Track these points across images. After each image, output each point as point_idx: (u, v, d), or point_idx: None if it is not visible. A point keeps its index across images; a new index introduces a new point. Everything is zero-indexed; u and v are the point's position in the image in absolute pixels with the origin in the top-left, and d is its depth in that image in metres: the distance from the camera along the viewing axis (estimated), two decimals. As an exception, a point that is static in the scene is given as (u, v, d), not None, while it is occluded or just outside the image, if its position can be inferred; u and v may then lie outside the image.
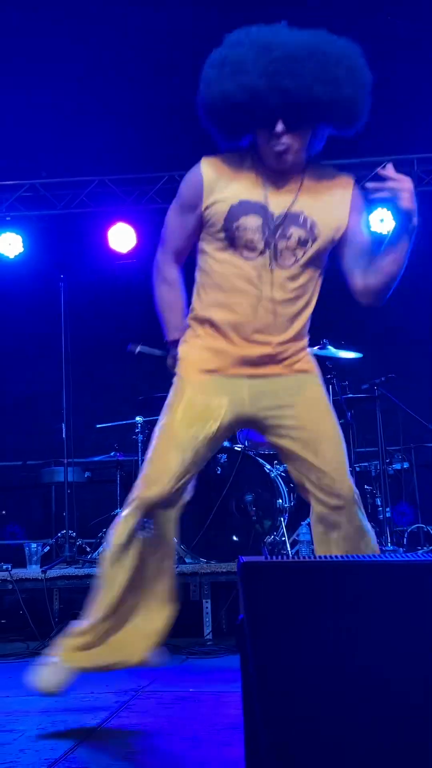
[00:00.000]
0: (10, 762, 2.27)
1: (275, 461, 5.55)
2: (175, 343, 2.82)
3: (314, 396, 2.76)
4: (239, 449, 5.30)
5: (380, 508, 5.67)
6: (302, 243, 2.64)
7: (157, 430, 2.74)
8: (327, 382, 5.55)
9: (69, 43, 6.16)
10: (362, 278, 2.69)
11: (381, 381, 5.77)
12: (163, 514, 2.68)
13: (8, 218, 7.45)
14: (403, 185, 2.50)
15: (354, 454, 5.64)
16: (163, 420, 2.74)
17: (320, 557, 1.95)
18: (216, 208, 2.64)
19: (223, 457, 5.24)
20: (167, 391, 6.23)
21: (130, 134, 6.85)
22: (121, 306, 7.31)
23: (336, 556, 1.77)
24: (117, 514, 5.76)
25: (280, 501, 5.13)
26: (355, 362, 5.83)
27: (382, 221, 7.13)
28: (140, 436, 5.83)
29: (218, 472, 5.21)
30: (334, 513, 2.65)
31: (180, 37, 5.94)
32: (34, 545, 5.28)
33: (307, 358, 2.79)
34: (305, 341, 2.80)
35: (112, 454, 6.24)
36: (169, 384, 6.12)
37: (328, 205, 2.68)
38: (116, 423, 6.22)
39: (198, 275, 2.78)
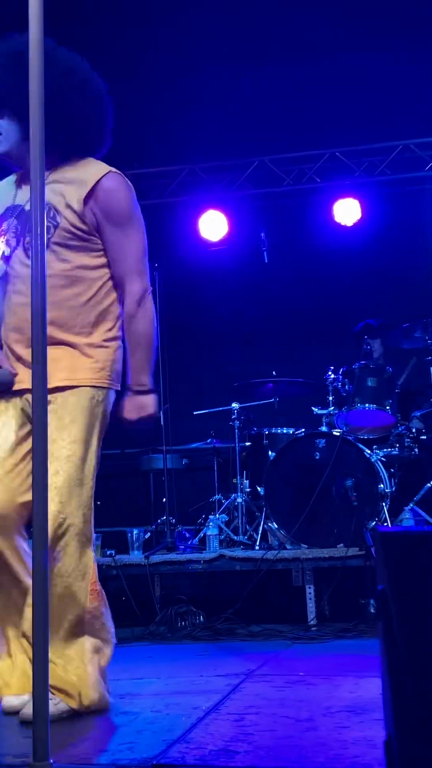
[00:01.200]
0: (129, 743, 2.28)
1: (374, 446, 5.46)
2: None
3: (62, 413, 2.80)
4: (338, 434, 5.22)
5: None
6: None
7: None
8: (429, 363, 5.43)
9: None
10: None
11: None
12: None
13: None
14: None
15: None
16: None
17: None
18: None
19: (322, 442, 5.18)
20: (262, 377, 6.19)
21: (218, 121, 6.82)
22: (214, 293, 7.31)
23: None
24: (215, 501, 5.83)
25: (382, 486, 5.04)
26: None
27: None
28: (237, 423, 5.82)
29: (317, 457, 5.15)
30: None
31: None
32: (135, 531, 5.32)
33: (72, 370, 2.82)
34: (86, 338, 2.82)
35: (208, 441, 6.25)
36: (265, 371, 6.06)
37: (71, 192, 2.71)
38: (213, 410, 6.22)
39: None
